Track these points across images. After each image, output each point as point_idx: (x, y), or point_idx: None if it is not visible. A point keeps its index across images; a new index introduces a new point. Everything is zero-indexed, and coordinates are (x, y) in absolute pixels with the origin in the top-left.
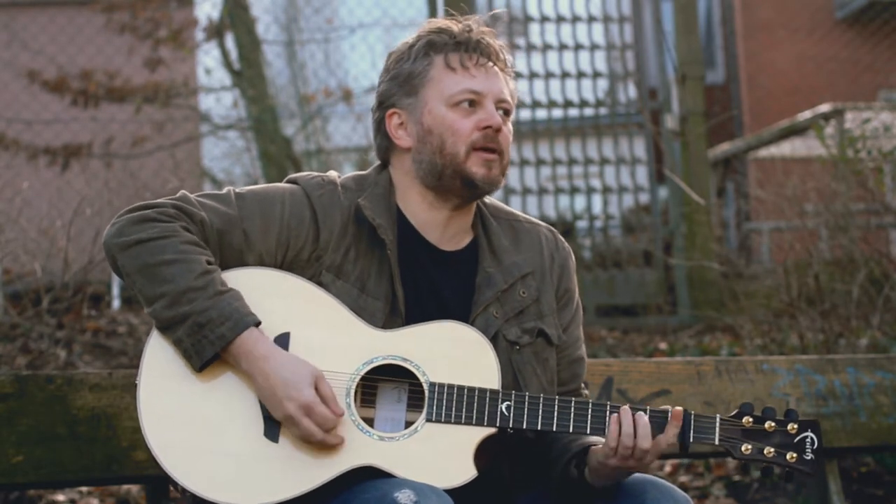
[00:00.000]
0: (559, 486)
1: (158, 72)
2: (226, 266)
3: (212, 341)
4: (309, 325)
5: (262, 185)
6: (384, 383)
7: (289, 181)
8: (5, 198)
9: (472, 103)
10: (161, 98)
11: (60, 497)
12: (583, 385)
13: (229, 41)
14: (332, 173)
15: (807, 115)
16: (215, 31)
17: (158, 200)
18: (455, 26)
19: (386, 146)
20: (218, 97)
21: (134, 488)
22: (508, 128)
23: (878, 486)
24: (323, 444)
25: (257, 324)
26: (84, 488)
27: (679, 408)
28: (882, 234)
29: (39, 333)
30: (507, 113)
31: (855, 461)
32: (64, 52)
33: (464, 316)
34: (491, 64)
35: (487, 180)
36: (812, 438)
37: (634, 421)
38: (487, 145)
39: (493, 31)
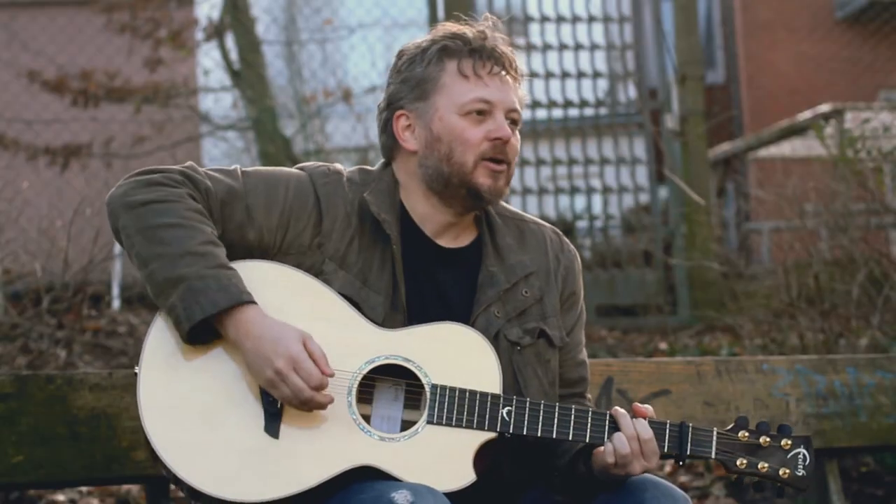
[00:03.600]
0: (563, 478)
1: (158, 72)
2: (227, 239)
3: (203, 306)
4: (312, 321)
5: (269, 168)
6: (381, 381)
7: (296, 168)
8: (5, 198)
9: (482, 112)
10: (161, 98)
11: (60, 497)
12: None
13: (229, 41)
14: (339, 165)
15: (807, 115)
16: (215, 32)
17: (166, 166)
18: (469, 32)
19: (391, 146)
20: (217, 97)
21: (134, 488)
22: (517, 137)
23: (878, 486)
24: (313, 404)
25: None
26: (84, 488)
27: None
28: (882, 234)
29: (39, 333)
30: (515, 122)
31: (855, 461)
32: (64, 52)
33: (465, 314)
34: (504, 73)
35: (493, 191)
36: (804, 455)
37: (636, 430)
38: (496, 156)
39: (507, 38)
